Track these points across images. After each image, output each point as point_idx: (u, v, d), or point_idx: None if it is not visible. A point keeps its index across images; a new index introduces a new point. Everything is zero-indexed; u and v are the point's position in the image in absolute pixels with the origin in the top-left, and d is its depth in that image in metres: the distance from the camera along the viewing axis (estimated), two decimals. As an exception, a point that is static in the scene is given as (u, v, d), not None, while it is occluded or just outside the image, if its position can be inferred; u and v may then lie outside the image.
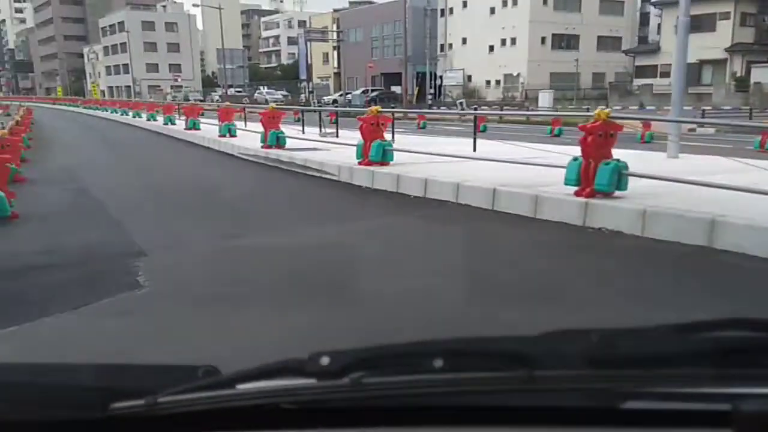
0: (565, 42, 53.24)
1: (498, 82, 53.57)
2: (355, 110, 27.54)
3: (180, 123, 20.70)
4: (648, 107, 35.30)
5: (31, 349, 3.07)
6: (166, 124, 22.06)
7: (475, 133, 11.27)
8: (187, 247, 5.41)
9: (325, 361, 0.73)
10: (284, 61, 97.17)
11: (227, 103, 17.09)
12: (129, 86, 76.91)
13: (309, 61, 50.01)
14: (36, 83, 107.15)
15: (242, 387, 0.74)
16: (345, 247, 5.24)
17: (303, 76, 52.80)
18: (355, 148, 9.69)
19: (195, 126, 18.88)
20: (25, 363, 0.95)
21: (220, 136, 15.55)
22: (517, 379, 0.71)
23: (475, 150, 11.23)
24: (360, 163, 8.80)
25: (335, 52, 65.28)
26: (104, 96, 73.57)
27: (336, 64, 66.41)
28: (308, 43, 48.17)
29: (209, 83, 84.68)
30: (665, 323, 0.82)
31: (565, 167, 6.27)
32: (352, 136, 15.31)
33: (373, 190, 8.18)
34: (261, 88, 61.89)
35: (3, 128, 11.80)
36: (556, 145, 11.62)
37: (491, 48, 53.26)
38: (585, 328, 0.80)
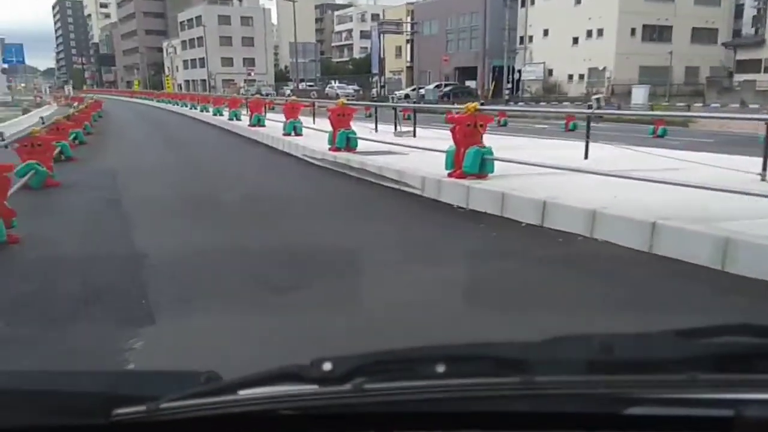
0: (657, 33, 49.43)
1: (581, 76, 50.27)
2: (435, 107, 25.62)
3: (246, 119, 19.54)
4: (751, 105, 31.73)
5: None
6: (231, 119, 20.97)
7: (588, 135, 9.18)
8: (219, 312, 3.59)
9: (326, 366, 0.74)
10: (356, 55, 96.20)
11: (293, 97, 15.49)
12: (204, 80, 77.75)
13: (382, 55, 48.43)
14: (118, 76, 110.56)
15: (244, 393, 0.73)
16: (445, 315, 3.40)
17: (375, 70, 51.24)
18: (437, 152, 7.88)
19: (260, 122, 17.59)
20: (28, 370, 1.00)
21: (284, 134, 14.04)
22: (518, 385, 0.71)
23: (587, 157, 9.16)
24: (450, 175, 6.92)
25: (408, 46, 63.48)
26: (180, 89, 74.56)
27: (409, 58, 64.57)
28: (381, 36, 46.61)
29: (281, 77, 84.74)
30: (666, 329, 0.82)
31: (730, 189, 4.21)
32: (431, 136, 13.59)
33: (469, 212, 6.29)
34: (332, 82, 60.81)
35: (43, 124, 10.65)
36: (691, 152, 9.54)
37: (575, 40, 50.01)
38: (585, 334, 0.81)
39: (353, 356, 0.76)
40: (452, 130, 6.93)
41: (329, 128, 10.88)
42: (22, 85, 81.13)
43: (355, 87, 57.32)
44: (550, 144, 12.71)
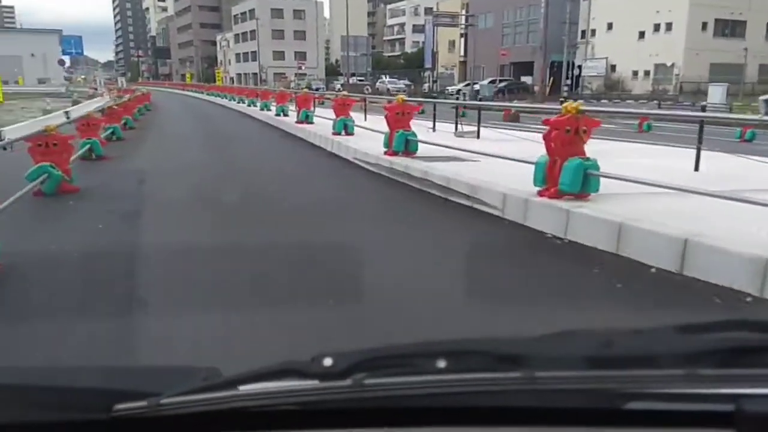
0: (730, 29, 46.32)
1: (647, 73, 47.55)
2: (496, 104, 23.99)
3: (294, 115, 18.43)
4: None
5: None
6: (278, 115, 19.83)
7: (700, 142, 7.55)
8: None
9: (327, 362, 0.74)
10: (408, 49, 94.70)
11: (344, 92, 14.14)
12: (256, 73, 77.67)
13: (435, 49, 46.75)
14: (173, 69, 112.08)
15: (245, 388, 0.73)
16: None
17: (428, 65, 49.74)
18: (513, 162, 6.46)
19: (308, 119, 16.29)
20: (29, 366, 0.96)
21: (334, 133, 12.70)
22: (519, 380, 0.71)
23: (697, 169, 7.55)
24: (542, 193, 5.44)
25: (462, 40, 61.59)
26: (232, 82, 74.73)
27: (462, 52, 62.67)
28: (435, 30, 44.94)
29: (332, 71, 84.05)
30: (667, 324, 0.81)
31: None
32: (495, 137, 12.13)
33: (571, 246, 4.81)
34: (383, 76, 59.46)
35: (67, 119, 9.66)
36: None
37: (641, 34, 47.29)
38: (586, 329, 0.82)
39: (354, 352, 0.75)
40: (546, 137, 5.44)
41: (382, 127, 9.53)
42: (83, 77, 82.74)
43: (406, 82, 55.84)
44: (638, 150, 11.03)
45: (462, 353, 0.78)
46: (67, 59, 75.27)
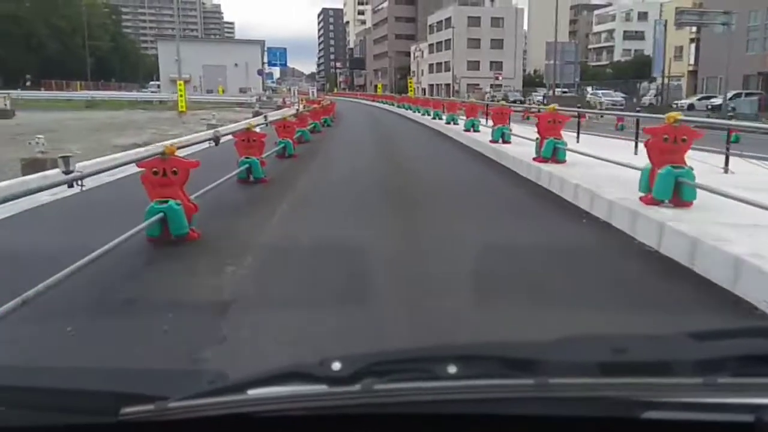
0: None
1: None
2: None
3: (486, 132, 13.84)
4: None
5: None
6: (467, 129, 15.53)
7: None
8: None
9: (336, 366, 0.73)
10: (617, 58, 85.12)
11: (553, 106, 9.24)
12: (448, 84, 74.02)
13: (663, 56, 38.77)
14: (367, 80, 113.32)
15: (253, 393, 0.73)
16: None
17: (656, 74, 41.59)
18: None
19: (504, 137, 12.28)
20: (37, 367, 0.96)
21: (539, 159, 8.76)
22: (531, 387, 0.70)
23: None
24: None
25: (692, 46, 52.03)
26: (424, 94, 71.68)
27: (691, 61, 53.00)
28: (665, 32, 37.13)
29: (529, 82, 77.88)
30: (684, 330, 0.80)
31: None
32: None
33: None
34: (588, 88, 52.02)
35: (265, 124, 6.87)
36: None
37: None
38: (601, 334, 0.81)
39: (363, 355, 0.75)
40: None
41: (621, 159, 7.25)
42: (286, 88, 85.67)
43: (622, 94, 47.95)
44: None
45: (473, 358, 0.77)
46: (276, 71, 78.41)
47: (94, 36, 72.04)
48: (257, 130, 8.19)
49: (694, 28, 49.67)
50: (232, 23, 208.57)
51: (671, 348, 0.80)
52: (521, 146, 10.82)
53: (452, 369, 0.72)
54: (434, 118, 22.20)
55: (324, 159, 11.85)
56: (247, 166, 7.84)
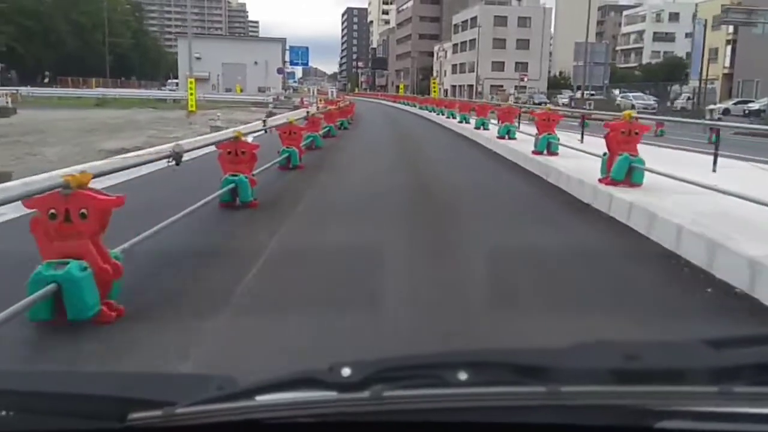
0: None
1: None
2: None
3: (524, 139, 12.21)
4: None
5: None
6: (501, 136, 14.26)
7: None
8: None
9: (345, 372, 0.72)
10: (646, 60, 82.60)
11: (628, 113, 7.42)
12: (471, 85, 72.24)
13: (702, 57, 36.75)
14: (389, 80, 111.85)
15: (261, 399, 0.72)
16: None
17: (694, 76, 39.53)
18: None
19: (549, 148, 10.44)
20: (43, 371, 0.93)
21: (607, 180, 6.86)
22: (543, 395, 0.69)
23: None
24: None
25: (728, 48, 49.81)
26: (446, 95, 69.99)
27: (727, 63, 50.74)
28: (704, 32, 35.10)
29: (555, 84, 75.79)
30: (699, 336, 0.78)
31: None
32: None
33: None
34: (614, 90, 49.94)
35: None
36: None
37: None
38: (614, 340, 0.78)
39: (373, 361, 0.74)
40: None
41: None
42: (306, 88, 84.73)
43: (654, 98, 45.89)
44: None
45: (483, 364, 0.75)
46: (298, 70, 76.80)
47: (114, 33, 71.28)
48: (248, 139, 6.50)
49: (731, 29, 47.54)
50: (256, 22, 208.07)
51: (686, 355, 0.78)
52: (573, 159, 9.04)
53: (462, 376, 0.71)
54: (461, 122, 20.67)
55: (334, 172, 9.95)
56: (232, 186, 6.18)
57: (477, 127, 17.53)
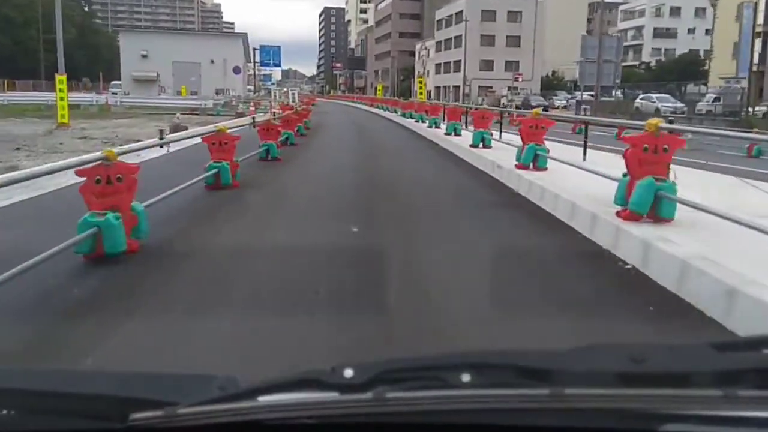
0: None
1: None
2: None
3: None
4: None
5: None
6: (525, 165, 6.49)
7: None
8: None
9: (348, 373, 0.73)
10: (646, 58, 76.15)
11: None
12: (458, 86, 64.92)
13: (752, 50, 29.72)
14: (368, 82, 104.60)
15: (263, 399, 0.72)
16: None
17: (743, 73, 32.42)
18: None
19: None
20: (44, 370, 0.93)
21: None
22: (547, 397, 0.69)
23: None
24: None
25: (757, 42, 43.10)
26: (429, 97, 62.42)
27: (756, 59, 44.03)
28: (754, 17, 28.15)
29: (547, 85, 68.90)
30: (704, 340, 0.78)
31: None
32: None
33: None
34: (617, 92, 43.04)
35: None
36: None
37: None
38: (619, 343, 0.77)
39: (375, 362, 0.74)
40: None
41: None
42: (283, 90, 77.13)
43: (672, 99, 38.87)
44: None
45: (487, 366, 0.75)
46: (277, 72, 69.50)
47: (52, 29, 62.50)
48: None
49: (761, 20, 40.84)
50: (232, 23, 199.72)
51: (690, 359, 0.77)
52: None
53: (466, 378, 0.70)
54: (450, 134, 13.21)
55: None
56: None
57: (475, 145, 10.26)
